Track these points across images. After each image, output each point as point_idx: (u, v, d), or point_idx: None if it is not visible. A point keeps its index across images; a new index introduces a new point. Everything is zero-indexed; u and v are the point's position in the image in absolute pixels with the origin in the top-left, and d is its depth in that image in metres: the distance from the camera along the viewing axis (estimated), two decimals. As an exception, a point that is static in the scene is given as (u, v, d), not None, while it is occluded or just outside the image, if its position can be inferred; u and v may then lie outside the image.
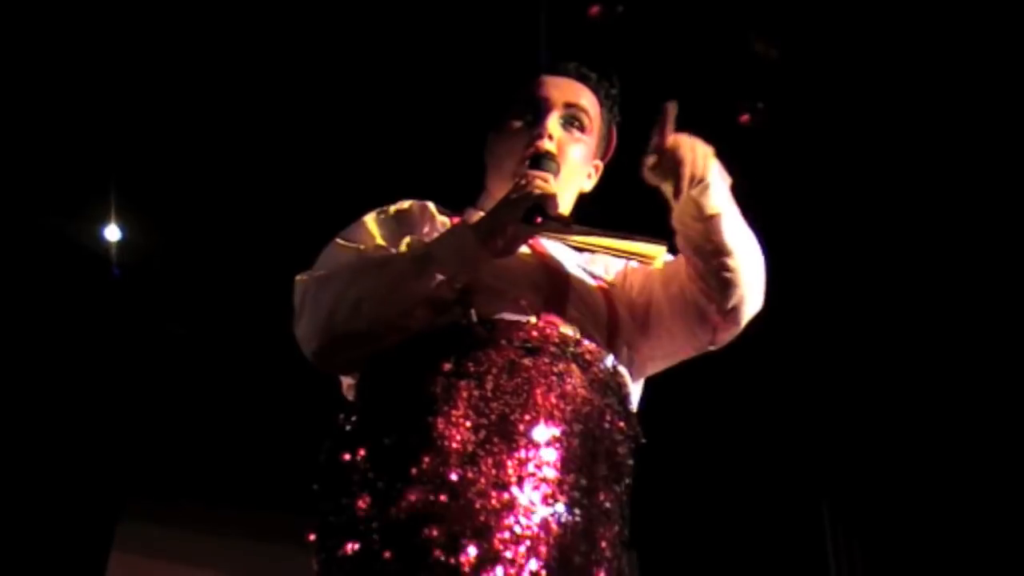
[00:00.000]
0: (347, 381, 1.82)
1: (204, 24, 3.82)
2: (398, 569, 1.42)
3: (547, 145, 1.85)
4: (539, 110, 1.90)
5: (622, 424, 1.68)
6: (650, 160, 1.68)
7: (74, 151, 4.24)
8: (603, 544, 1.54)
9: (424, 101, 4.01)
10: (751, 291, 1.80)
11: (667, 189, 1.68)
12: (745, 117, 4.02)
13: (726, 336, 1.85)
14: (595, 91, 1.97)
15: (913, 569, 5.03)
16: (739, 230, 1.76)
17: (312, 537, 1.55)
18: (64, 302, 4.64)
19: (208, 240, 4.62)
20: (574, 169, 1.92)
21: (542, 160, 1.81)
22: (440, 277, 1.62)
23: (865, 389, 4.92)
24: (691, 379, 2.00)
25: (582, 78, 1.96)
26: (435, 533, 1.42)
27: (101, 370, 4.73)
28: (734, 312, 1.80)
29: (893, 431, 4.97)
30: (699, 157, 1.66)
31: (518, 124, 1.90)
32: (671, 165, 1.65)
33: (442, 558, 1.40)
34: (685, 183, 1.65)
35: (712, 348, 1.88)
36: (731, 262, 1.74)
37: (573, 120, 1.92)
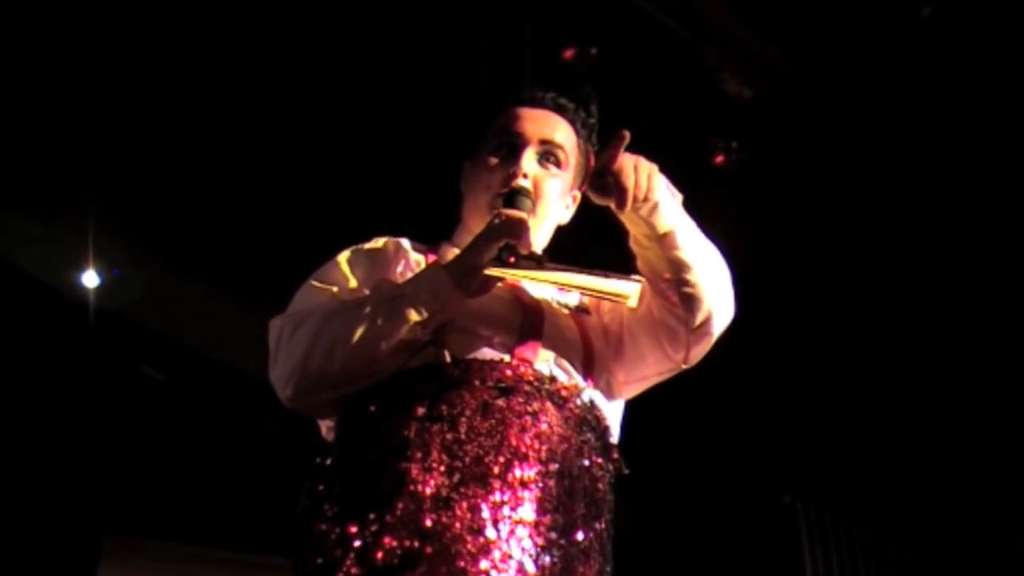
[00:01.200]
0: (326, 424, 1.80)
1: (179, 66, 3.82)
2: None
3: (521, 183, 1.83)
4: (514, 146, 1.88)
5: (600, 460, 1.66)
6: (593, 182, 1.69)
7: (52, 195, 4.23)
8: None
9: (401, 130, 4.01)
10: (717, 303, 1.78)
11: (612, 205, 1.68)
12: (719, 157, 4.05)
13: (698, 352, 1.83)
14: (572, 122, 1.94)
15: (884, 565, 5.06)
16: (696, 244, 1.75)
17: None
18: (43, 346, 4.61)
19: (186, 285, 4.60)
20: (550, 204, 1.89)
21: (516, 197, 1.79)
22: (414, 319, 1.62)
23: (836, 391, 4.98)
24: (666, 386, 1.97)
25: (559, 109, 1.94)
26: None
27: (80, 412, 4.69)
28: (703, 327, 1.78)
29: (864, 432, 5.01)
30: (642, 176, 1.65)
31: (493, 159, 1.89)
32: (615, 185, 1.65)
33: None
34: (629, 202, 1.64)
35: (686, 366, 1.86)
36: (691, 277, 1.73)
37: (549, 156, 1.89)
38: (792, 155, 4.14)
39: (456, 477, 1.49)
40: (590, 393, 1.73)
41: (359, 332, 1.61)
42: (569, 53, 3.80)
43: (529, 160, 1.87)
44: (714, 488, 5.37)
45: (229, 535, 4.94)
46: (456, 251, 1.84)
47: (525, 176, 1.85)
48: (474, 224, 1.85)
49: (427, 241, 1.96)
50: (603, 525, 1.62)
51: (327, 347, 1.63)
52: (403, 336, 1.62)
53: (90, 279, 4.53)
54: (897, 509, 5.11)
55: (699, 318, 1.77)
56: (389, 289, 1.69)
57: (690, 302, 1.75)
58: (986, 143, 3.96)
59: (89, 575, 4.73)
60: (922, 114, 3.90)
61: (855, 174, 4.15)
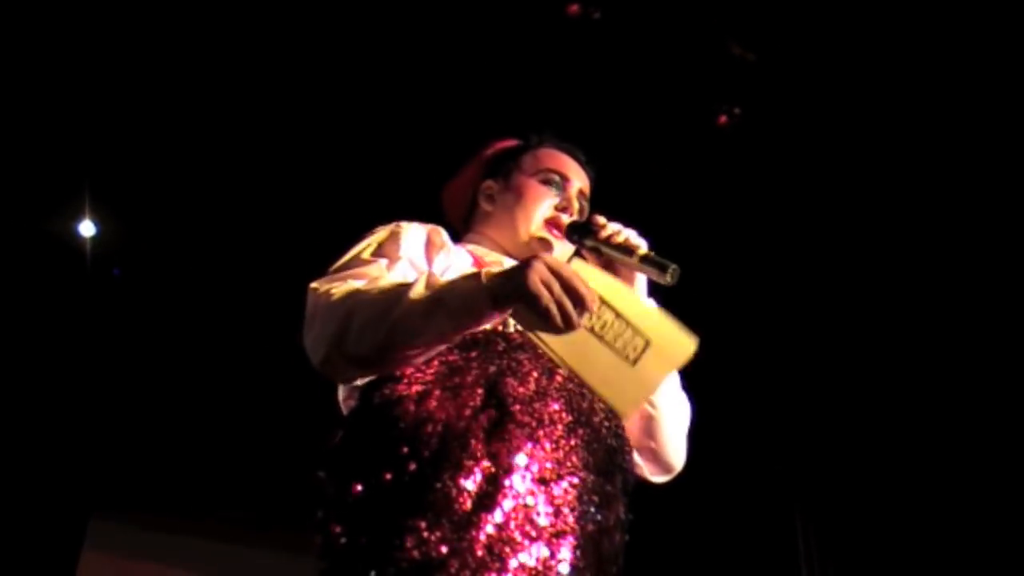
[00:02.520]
0: (358, 381, 1.79)
1: (179, 24, 3.79)
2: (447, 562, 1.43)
3: (567, 219, 2.00)
4: (562, 185, 2.07)
5: (627, 447, 1.77)
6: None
7: (49, 147, 4.21)
8: (618, 553, 1.63)
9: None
10: (672, 447, 1.89)
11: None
12: (723, 119, 4.04)
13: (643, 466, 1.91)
14: (590, 178, 2.15)
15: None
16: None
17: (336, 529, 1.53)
18: (38, 298, 4.61)
19: (183, 237, 4.58)
20: None
21: (587, 228, 1.91)
22: (444, 328, 1.60)
23: (837, 398, 4.97)
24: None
25: (584, 167, 2.14)
26: (475, 521, 1.45)
27: (71, 370, 4.69)
28: (655, 458, 1.89)
29: (864, 440, 5.00)
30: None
31: (543, 189, 2.06)
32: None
33: (483, 552, 1.44)
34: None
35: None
36: (655, 400, 1.85)
37: (581, 203, 2.09)
38: (795, 120, 4.11)
39: (526, 431, 1.56)
40: None
41: (392, 322, 1.60)
42: (574, 8, 3.78)
43: (574, 198, 2.07)
44: (704, 463, 5.35)
45: (221, 500, 4.94)
46: (486, 257, 1.99)
47: (571, 213, 2.04)
48: (504, 236, 2.04)
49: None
50: (626, 504, 1.71)
51: (359, 330, 1.62)
52: (431, 339, 1.61)
53: (87, 229, 4.51)
54: (891, 509, 5.08)
55: (653, 445, 1.87)
56: (430, 287, 1.64)
57: (649, 426, 1.86)
58: (993, 123, 3.92)
59: (78, 538, 4.75)
60: (927, 89, 3.87)
61: (858, 150, 4.12)
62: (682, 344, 1.65)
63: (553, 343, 1.58)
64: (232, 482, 4.86)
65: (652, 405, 1.85)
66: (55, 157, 4.23)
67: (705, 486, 5.37)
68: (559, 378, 1.65)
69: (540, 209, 2.03)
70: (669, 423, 1.87)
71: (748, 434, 5.18)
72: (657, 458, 1.89)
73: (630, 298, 1.66)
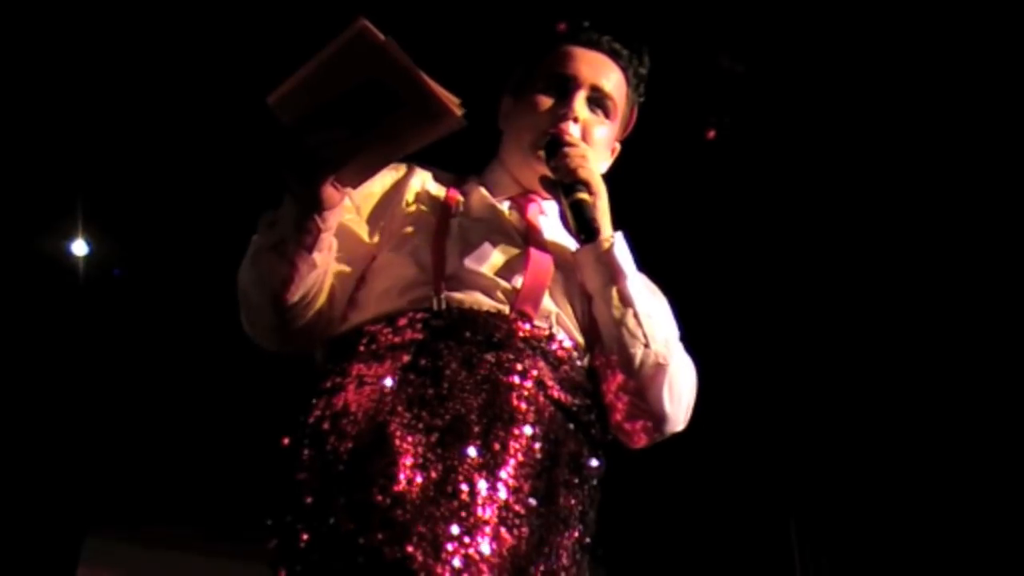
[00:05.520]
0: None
1: (169, 38, 3.80)
2: (341, 571, 1.36)
3: (572, 128, 1.78)
4: (566, 88, 1.81)
5: (591, 425, 1.61)
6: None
7: (42, 166, 4.21)
8: (560, 552, 1.47)
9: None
10: (672, 404, 1.67)
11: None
12: (711, 132, 4.03)
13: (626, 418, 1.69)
14: (624, 69, 1.88)
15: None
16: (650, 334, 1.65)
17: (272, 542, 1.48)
18: (31, 317, 4.60)
19: (177, 256, 4.59)
20: (596, 151, 1.81)
21: (558, 147, 1.74)
22: (292, 251, 1.55)
23: (833, 409, 4.93)
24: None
25: (613, 54, 1.87)
26: (380, 537, 1.35)
27: (67, 388, 4.69)
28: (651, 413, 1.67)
29: (860, 452, 4.98)
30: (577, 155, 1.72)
31: (543, 99, 1.81)
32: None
33: (388, 565, 1.33)
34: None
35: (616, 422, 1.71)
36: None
37: (599, 103, 1.83)
38: (785, 135, 4.12)
39: (434, 436, 1.43)
40: (587, 358, 1.68)
41: (255, 276, 1.60)
42: (562, 27, 3.77)
43: (580, 104, 1.80)
44: (699, 472, 5.35)
45: (212, 520, 4.93)
46: (482, 189, 1.80)
47: (576, 120, 1.79)
48: (511, 161, 1.85)
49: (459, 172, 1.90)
50: (586, 493, 1.56)
51: (243, 297, 1.64)
52: (288, 272, 1.56)
53: (79, 248, 4.51)
54: (887, 521, 5.08)
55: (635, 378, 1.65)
56: (261, 224, 1.63)
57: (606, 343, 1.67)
58: (980, 129, 3.93)
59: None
60: (916, 99, 3.88)
61: (848, 161, 4.12)
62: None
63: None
64: (230, 498, 4.85)
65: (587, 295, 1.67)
66: (48, 176, 4.23)
67: (700, 495, 5.39)
68: (482, 370, 1.50)
69: (533, 124, 1.79)
70: (616, 329, 1.64)
71: (743, 444, 5.18)
72: (627, 369, 1.63)
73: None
